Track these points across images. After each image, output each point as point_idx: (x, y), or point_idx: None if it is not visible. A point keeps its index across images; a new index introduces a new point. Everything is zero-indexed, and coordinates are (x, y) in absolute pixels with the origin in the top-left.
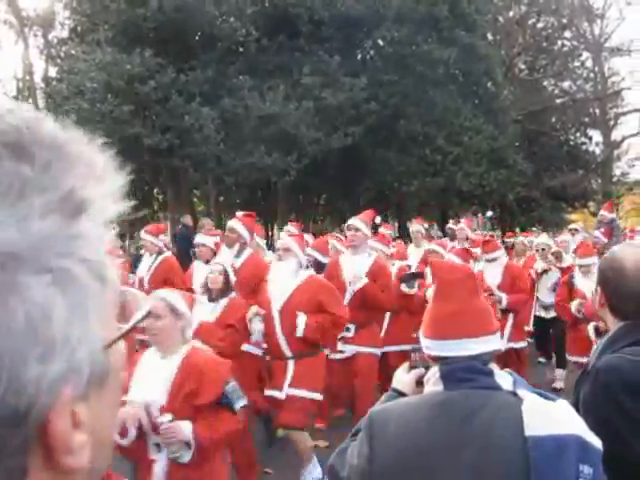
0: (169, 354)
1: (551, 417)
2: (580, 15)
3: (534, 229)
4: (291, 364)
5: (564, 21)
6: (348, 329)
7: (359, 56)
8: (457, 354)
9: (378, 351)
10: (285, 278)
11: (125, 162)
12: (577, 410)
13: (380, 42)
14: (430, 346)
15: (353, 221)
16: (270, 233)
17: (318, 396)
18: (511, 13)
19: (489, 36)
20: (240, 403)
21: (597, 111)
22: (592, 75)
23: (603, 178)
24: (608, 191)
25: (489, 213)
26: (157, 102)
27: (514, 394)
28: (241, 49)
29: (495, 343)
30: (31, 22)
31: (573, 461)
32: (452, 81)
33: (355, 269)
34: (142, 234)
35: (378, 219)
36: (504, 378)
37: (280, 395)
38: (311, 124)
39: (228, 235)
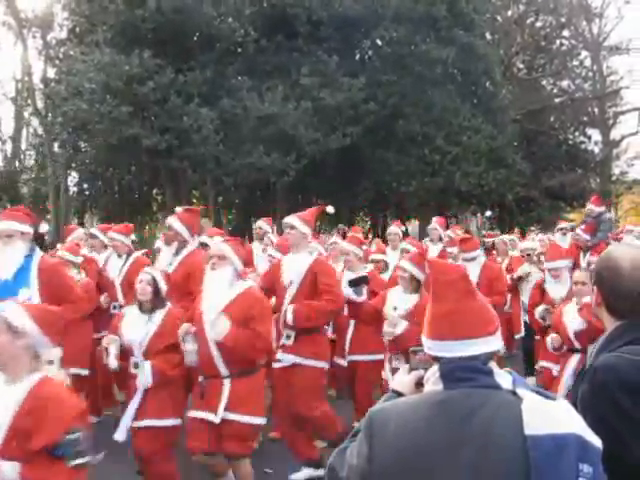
0: (16, 381)
1: (551, 416)
2: (579, 14)
3: (532, 228)
4: (227, 384)
5: (562, 20)
6: (288, 337)
7: (357, 56)
8: (453, 355)
9: (322, 364)
10: (220, 288)
11: (124, 162)
12: (576, 409)
13: (378, 42)
14: (429, 346)
15: (289, 218)
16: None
17: (260, 420)
18: (509, 12)
19: (487, 35)
20: (78, 460)
21: (596, 110)
22: (591, 74)
23: (602, 177)
24: (607, 190)
25: (488, 213)
26: (156, 103)
27: (514, 393)
28: (239, 50)
29: (494, 344)
30: (30, 23)
31: (573, 460)
32: (451, 81)
33: (296, 269)
34: (111, 234)
35: (331, 209)
36: (504, 377)
37: (215, 419)
38: (310, 124)
39: (166, 233)
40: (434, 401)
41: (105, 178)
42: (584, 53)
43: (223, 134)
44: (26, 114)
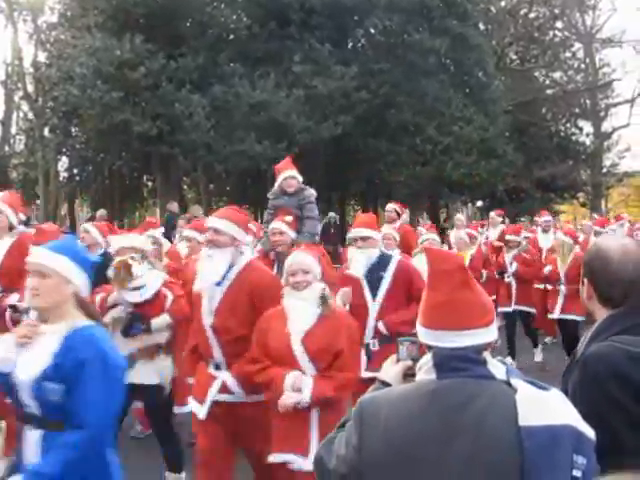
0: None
1: (545, 407)
2: (572, 6)
3: (522, 219)
4: None
5: (556, 11)
6: None
7: (350, 44)
8: (443, 345)
9: None
10: None
11: (115, 148)
12: None
13: (371, 31)
14: (422, 334)
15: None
16: (260, 220)
17: None
18: (503, 3)
19: (481, 26)
20: None
21: (588, 102)
22: (583, 66)
23: (593, 169)
24: (597, 182)
25: (479, 203)
26: (147, 89)
27: (507, 383)
28: (232, 36)
29: (486, 336)
30: (20, 7)
31: (567, 451)
32: (443, 71)
33: None
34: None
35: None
36: (497, 367)
37: None
38: (301, 112)
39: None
40: (427, 390)
41: (96, 163)
42: (577, 45)
43: (214, 121)
44: (16, 98)
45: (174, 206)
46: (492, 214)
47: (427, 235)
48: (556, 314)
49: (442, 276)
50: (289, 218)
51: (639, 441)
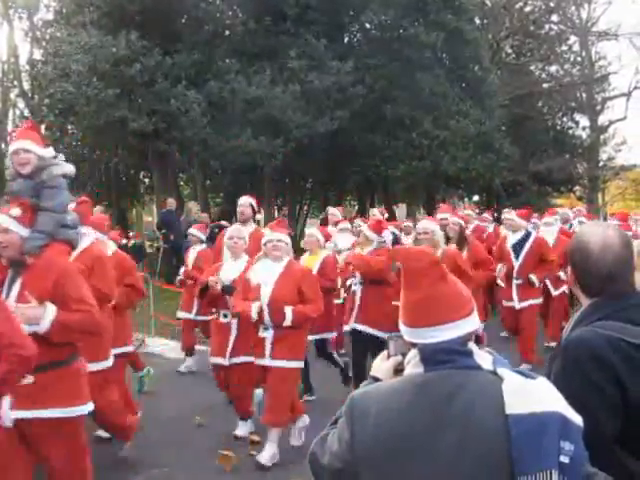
0: None
1: (532, 395)
2: None
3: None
4: None
5: (551, 5)
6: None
7: (346, 39)
8: (427, 341)
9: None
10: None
11: (111, 145)
12: None
13: (367, 25)
14: (405, 332)
15: None
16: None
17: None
18: None
19: (476, 20)
20: None
21: (584, 95)
22: (579, 59)
23: (589, 163)
24: (594, 176)
25: (475, 197)
26: (143, 85)
27: (494, 373)
28: (227, 32)
29: (471, 325)
30: (16, 4)
31: (554, 438)
32: (439, 65)
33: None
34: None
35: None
36: (484, 358)
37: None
38: (297, 108)
39: None
40: (415, 384)
41: (92, 160)
42: (573, 38)
43: (210, 117)
44: (12, 96)
45: (171, 203)
46: (374, 210)
47: (272, 235)
48: None
49: (416, 274)
50: (16, 211)
51: (618, 427)
